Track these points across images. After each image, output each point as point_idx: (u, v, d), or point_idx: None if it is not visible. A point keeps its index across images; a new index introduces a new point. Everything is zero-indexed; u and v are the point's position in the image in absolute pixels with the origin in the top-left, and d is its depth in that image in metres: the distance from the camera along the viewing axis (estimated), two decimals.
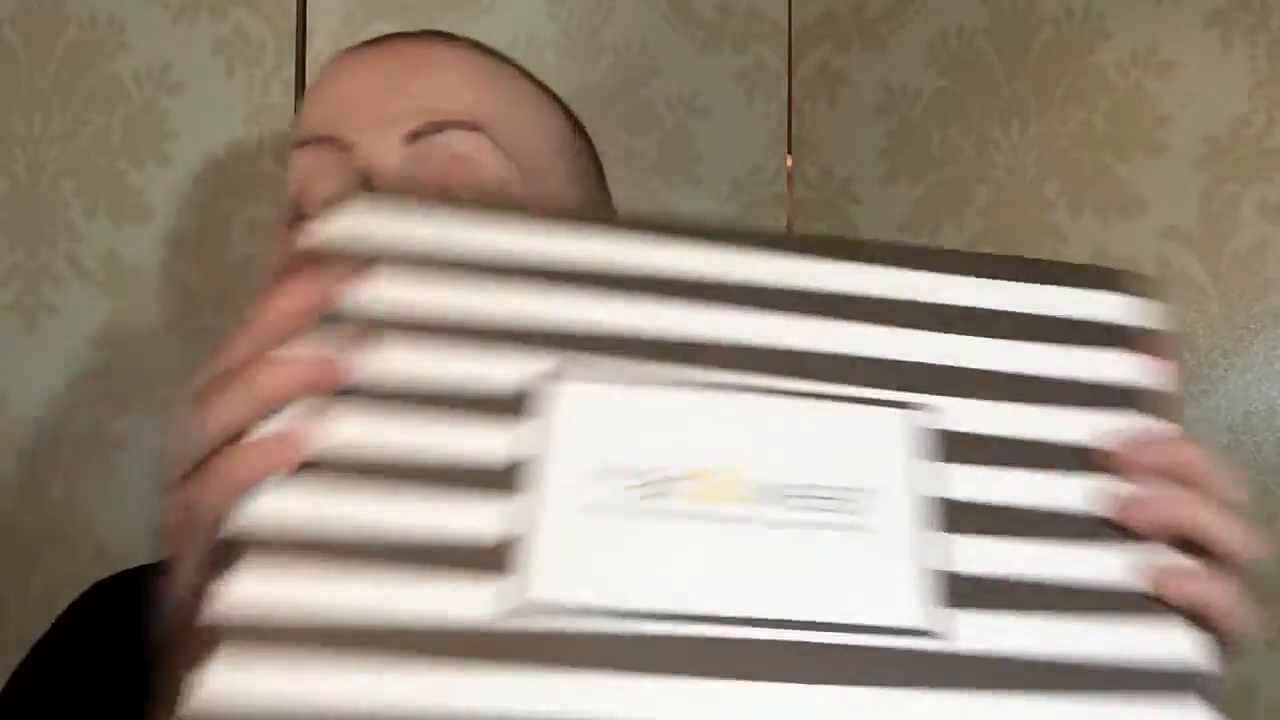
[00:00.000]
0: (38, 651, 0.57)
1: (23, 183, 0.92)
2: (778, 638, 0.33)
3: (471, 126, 0.48)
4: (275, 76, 0.92)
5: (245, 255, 0.91)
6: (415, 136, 0.47)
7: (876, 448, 0.36)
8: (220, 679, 0.32)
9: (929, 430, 0.37)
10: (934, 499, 0.36)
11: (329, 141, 0.48)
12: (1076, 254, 0.86)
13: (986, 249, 0.88)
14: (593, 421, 0.36)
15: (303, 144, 0.49)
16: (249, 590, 0.33)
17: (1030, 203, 0.87)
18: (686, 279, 0.38)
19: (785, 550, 0.34)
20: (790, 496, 0.35)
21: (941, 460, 0.37)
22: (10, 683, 0.56)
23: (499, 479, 0.34)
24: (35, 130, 0.92)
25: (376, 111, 0.48)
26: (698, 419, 0.36)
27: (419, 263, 0.37)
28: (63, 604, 0.61)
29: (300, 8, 0.92)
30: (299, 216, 0.48)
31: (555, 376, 0.36)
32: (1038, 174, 0.87)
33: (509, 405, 0.36)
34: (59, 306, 0.91)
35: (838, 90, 0.95)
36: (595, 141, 0.92)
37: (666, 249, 0.38)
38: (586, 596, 0.33)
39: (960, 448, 0.37)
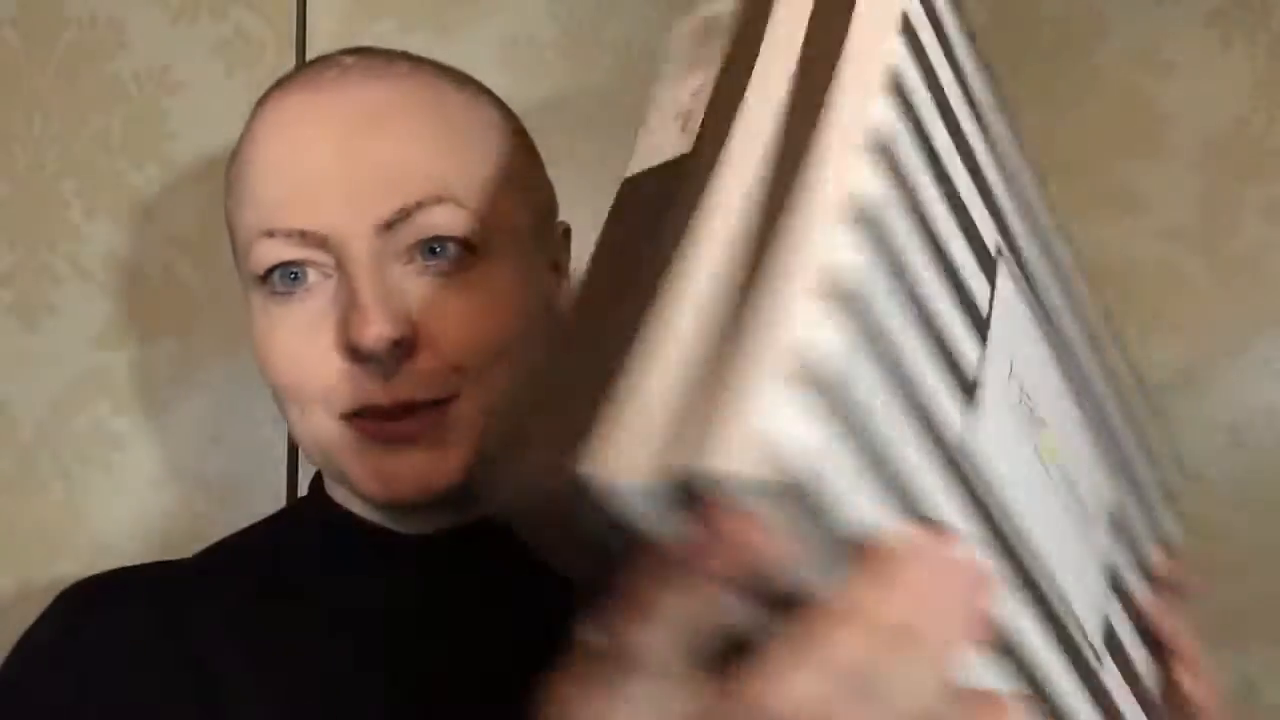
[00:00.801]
0: (32, 652, 0.57)
1: (23, 183, 0.92)
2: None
3: (437, 199, 0.50)
4: (275, 77, 0.91)
5: None
6: (387, 226, 0.49)
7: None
8: (786, 419, 0.24)
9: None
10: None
11: (301, 235, 0.50)
12: (1076, 254, 0.85)
13: None
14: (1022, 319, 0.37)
15: (272, 234, 0.50)
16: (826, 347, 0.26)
17: None
18: None
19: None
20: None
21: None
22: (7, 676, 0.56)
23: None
24: (35, 130, 0.92)
25: (343, 197, 0.49)
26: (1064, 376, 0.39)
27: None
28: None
29: (300, 8, 0.92)
30: (273, 289, 0.51)
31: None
32: (1036, 174, 0.87)
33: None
34: (59, 306, 0.91)
35: None
36: (595, 141, 0.92)
37: None
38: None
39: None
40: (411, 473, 0.50)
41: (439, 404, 0.50)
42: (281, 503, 0.90)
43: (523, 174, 0.55)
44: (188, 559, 0.64)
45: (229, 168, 0.56)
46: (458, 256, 0.50)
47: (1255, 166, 0.81)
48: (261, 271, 0.51)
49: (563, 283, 0.59)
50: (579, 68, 0.93)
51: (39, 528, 0.90)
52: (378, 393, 0.49)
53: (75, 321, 0.91)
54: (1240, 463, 0.81)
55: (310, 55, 0.92)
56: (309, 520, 0.61)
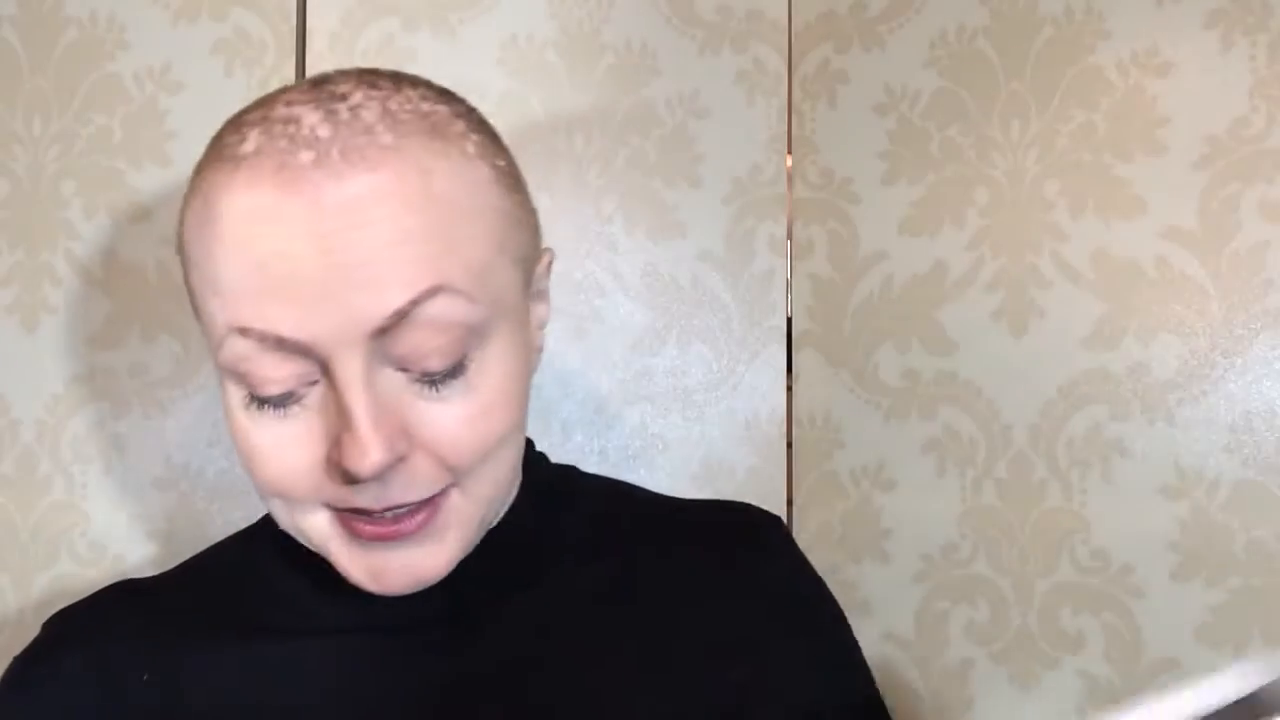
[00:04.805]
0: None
1: (23, 183, 0.92)
2: None
3: (431, 292, 0.45)
4: (275, 76, 0.91)
5: None
6: (382, 332, 0.45)
7: None
8: None
9: None
10: None
11: (278, 341, 0.45)
12: (1076, 254, 0.85)
13: (986, 249, 0.89)
14: None
15: (245, 333, 0.45)
16: None
17: (1030, 203, 0.87)
18: None
19: None
20: None
21: None
22: None
23: None
24: (35, 130, 0.92)
25: (328, 301, 0.44)
26: None
27: None
28: (62, 603, 0.61)
29: (300, 8, 0.92)
30: (249, 395, 0.48)
31: None
32: (1038, 174, 0.87)
33: None
34: (59, 306, 0.91)
35: (838, 90, 0.95)
36: (595, 142, 0.92)
37: None
38: None
39: None
40: (403, 568, 0.49)
41: (430, 499, 0.49)
42: None
43: (513, 229, 0.50)
44: (181, 571, 0.62)
45: (182, 231, 0.49)
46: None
47: (1255, 166, 0.81)
48: (235, 373, 0.47)
49: (543, 319, 0.56)
50: (579, 68, 0.93)
51: (39, 528, 0.90)
52: (369, 500, 0.47)
53: (75, 321, 0.91)
54: (1240, 463, 0.81)
55: (310, 55, 0.92)
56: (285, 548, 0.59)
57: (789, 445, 0.94)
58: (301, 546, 0.58)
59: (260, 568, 0.59)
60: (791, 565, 0.62)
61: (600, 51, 0.93)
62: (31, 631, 0.59)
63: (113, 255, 0.91)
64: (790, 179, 0.96)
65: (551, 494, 0.61)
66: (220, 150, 0.47)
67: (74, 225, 0.91)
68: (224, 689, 0.54)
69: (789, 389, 0.95)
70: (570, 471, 0.65)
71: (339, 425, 0.46)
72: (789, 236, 0.95)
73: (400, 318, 0.45)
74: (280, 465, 0.48)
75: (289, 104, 0.47)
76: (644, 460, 0.92)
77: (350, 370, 0.45)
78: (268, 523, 0.63)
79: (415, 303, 0.45)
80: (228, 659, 0.55)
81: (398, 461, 0.46)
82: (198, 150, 0.91)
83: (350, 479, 0.46)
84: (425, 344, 0.46)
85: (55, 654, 0.57)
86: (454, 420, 0.47)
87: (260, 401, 0.47)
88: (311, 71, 0.92)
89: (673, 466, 0.92)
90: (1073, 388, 0.85)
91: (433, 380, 0.47)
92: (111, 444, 0.90)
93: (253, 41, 0.92)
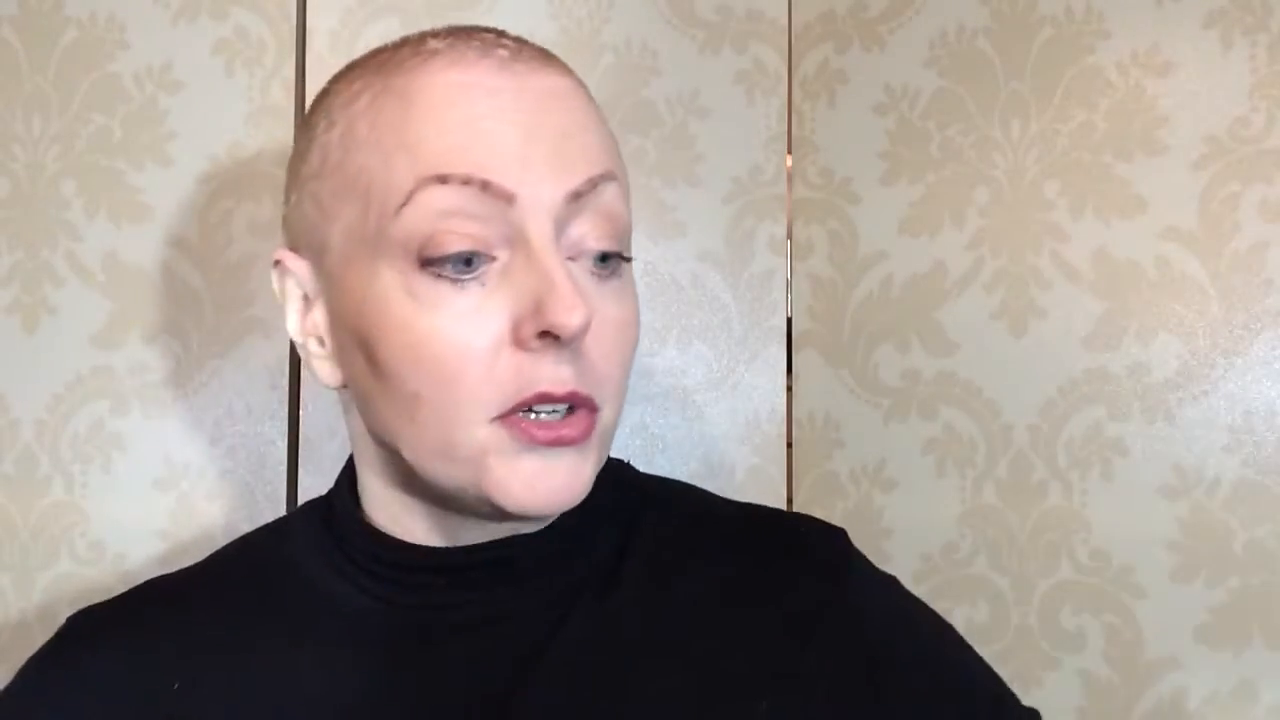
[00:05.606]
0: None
1: (23, 183, 0.92)
2: None
3: (612, 176, 0.50)
4: (275, 76, 0.91)
5: (245, 255, 0.91)
6: (577, 196, 0.48)
7: None
8: None
9: None
10: None
11: (483, 185, 0.46)
12: (1076, 254, 0.86)
13: (986, 249, 0.89)
14: None
15: (445, 180, 0.46)
16: None
17: (1030, 203, 0.87)
18: None
19: None
20: None
21: None
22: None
23: None
24: (35, 130, 0.92)
25: (537, 161, 0.47)
26: None
27: None
28: (62, 605, 0.61)
29: (300, 8, 0.92)
30: (427, 259, 0.47)
31: None
32: (1038, 174, 0.87)
33: None
34: (59, 306, 0.91)
35: (838, 90, 0.95)
36: None
37: None
38: None
39: None
40: (562, 477, 0.48)
41: (593, 411, 0.49)
42: (281, 502, 0.90)
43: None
44: (209, 567, 0.61)
45: (336, 125, 0.50)
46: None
47: (1255, 166, 0.81)
48: (417, 236, 0.46)
49: None
50: (579, 68, 0.93)
51: (39, 528, 0.90)
52: (552, 380, 0.47)
53: (75, 321, 0.91)
54: (1240, 463, 0.81)
55: (310, 55, 0.92)
56: (343, 534, 0.58)
57: (789, 445, 0.94)
58: (335, 544, 0.57)
59: (297, 567, 0.57)
60: (840, 579, 0.58)
61: (600, 51, 0.93)
62: (32, 631, 0.59)
63: (113, 255, 0.91)
64: (790, 179, 0.96)
65: (611, 486, 0.58)
66: (393, 55, 0.51)
67: (74, 225, 0.91)
68: (254, 694, 0.52)
69: (789, 389, 0.95)
70: (625, 470, 0.63)
71: (534, 291, 0.47)
72: (789, 236, 0.95)
73: (592, 185, 0.48)
74: (458, 346, 0.47)
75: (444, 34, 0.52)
76: (644, 460, 0.92)
77: (546, 233, 0.47)
78: (295, 518, 0.62)
79: (603, 176, 0.49)
80: (259, 662, 0.53)
81: (586, 330, 0.47)
82: (198, 150, 0.92)
83: (557, 332, 0.46)
84: (595, 229, 0.49)
85: (75, 652, 0.56)
86: (614, 311, 0.50)
87: (437, 266, 0.47)
88: (311, 71, 0.92)
89: (672, 466, 0.92)
90: (1073, 388, 0.85)
91: (598, 269, 0.50)
92: (111, 444, 0.90)
93: (252, 41, 0.92)
